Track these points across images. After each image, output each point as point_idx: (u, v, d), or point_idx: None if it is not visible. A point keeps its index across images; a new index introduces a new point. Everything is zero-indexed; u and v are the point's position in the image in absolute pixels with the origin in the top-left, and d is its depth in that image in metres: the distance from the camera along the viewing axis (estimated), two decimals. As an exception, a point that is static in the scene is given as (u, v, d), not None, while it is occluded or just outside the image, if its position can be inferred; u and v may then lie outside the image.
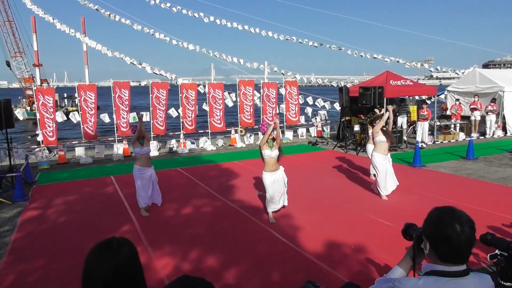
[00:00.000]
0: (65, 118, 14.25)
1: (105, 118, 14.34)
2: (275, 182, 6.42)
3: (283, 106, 16.68)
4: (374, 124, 7.81)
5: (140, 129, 6.99)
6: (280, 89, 16.70)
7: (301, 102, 17.28)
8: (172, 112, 14.86)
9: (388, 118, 7.86)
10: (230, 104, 16.16)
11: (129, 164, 11.55)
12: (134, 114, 14.15)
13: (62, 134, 26.24)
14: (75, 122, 13.81)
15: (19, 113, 14.82)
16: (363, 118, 13.59)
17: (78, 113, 13.59)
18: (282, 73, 22.12)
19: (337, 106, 17.76)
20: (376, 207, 7.14)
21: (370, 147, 9.07)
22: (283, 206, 6.84)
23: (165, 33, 22.36)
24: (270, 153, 6.33)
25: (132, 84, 15.20)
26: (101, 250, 1.52)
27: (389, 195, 7.73)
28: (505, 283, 2.19)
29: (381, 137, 7.66)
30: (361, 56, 23.46)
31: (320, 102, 18.15)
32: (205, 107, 15.31)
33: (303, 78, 22.98)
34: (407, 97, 16.13)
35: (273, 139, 6.39)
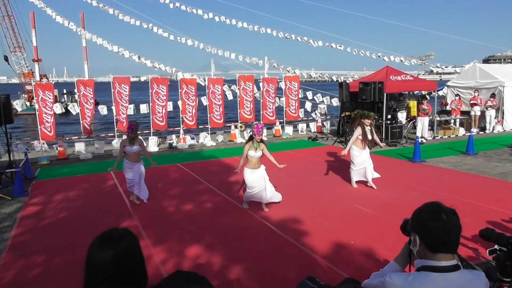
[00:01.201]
0: (63, 110, 14.27)
1: (103, 110, 14.30)
2: (255, 178, 6.77)
3: (283, 99, 16.62)
4: (363, 121, 8.15)
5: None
6: (280, 83, 16.67)
7: (300, 96, 17.25)
8: (167, 106, 14.83)
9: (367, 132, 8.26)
10: (230, 97, 16.17)
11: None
12: (133, 105, 14.25)
13: (62, 129, 26.22)
14: (74, 113, 13.82)
15: (18, 104, 14.92)
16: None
17: (77, 104, 13.57)
18: (281, 68, 22.06)
19: (334, 102, 17.75)
20: (375, 203, 7.14)
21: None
22: (275, 202, 7.03)
23: (164, 27, 22.32)
24: (254, 154, 6.73)
25: (131, 79, 15.16)
26: (103, 241, 1.52)
27: (389, 191, 7.81)
28: (504, 279, 2.19)
29: (358, 137, 8.12)
30: (361, 53, 23.40)
31: (319, 97, 18.13)
32: (204, 101, 15.23)
33: (303, 73, 22.93)
34: (406, 92, 16.12)
35: (261, 141, 6.79)
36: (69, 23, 20.77)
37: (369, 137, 8.14)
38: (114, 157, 12.69)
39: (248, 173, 6.78)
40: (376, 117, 10.31)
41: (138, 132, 7.69)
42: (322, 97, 18.20)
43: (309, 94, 18.04)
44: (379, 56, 23.21)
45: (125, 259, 1.49)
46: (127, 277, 1.49)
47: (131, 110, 14.19)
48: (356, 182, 8.33)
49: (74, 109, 13.67)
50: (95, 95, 13.84)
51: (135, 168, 7.36)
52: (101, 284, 1.47)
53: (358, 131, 8.10)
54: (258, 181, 6.75)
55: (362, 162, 8.09)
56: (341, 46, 23.36)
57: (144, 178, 7.59)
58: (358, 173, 8.20)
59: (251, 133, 7.14)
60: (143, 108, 14.39)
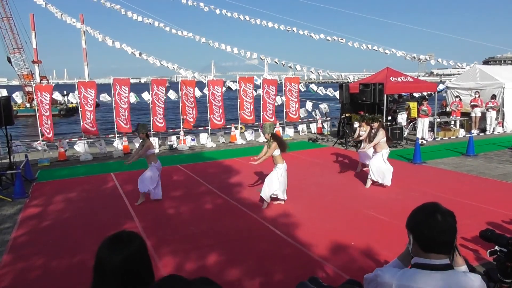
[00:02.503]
0: (64, 98, 14.39)
1: (105, 97, 14.28)
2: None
3: (283, 98, 16.60)
4: (372, 125, 8.45)
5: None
6: (282, 76, 16.72)
7: (303, 90, 17.26)
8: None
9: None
10: (234, 87, 16.25)
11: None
12: (134, 94, 14.37)
13: (62, 131, 26.22)
14: (74, 102, 13.87)
15: (17, 96, 15.06)
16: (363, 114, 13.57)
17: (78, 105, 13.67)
18: (282, 63, 21.96)
19: (338, 94, 17.82)
20: (376, 204, 7.14)
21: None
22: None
23: (164, 22, 22.28)
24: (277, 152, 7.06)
25: (132, 81, 15.20)
26: (112, 243, 1.54)
27: (390, 192, 7.90)
28: (505, 280, 2.20)
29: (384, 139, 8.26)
30: (362, 47, 23.31)
31: (322, 90, 18.22)
32: (206, 91, 15.19)
33: (303, 71, 22.84)
34: (407, 94, 16.12)
35: (273, 138, 7.08)
36: (71, 20, 20.78)
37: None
38: (115, 159, 12.74)
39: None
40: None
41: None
42: (325, 89, 18.27)
43: (313, 86, 18.11)
44: (380, 50, 23.11)
45: (134, 261, 1.52)
46: (136, 278, 1.51)
47: (132, 98, 14.19)
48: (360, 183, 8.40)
49: (74, 97, 13.61)
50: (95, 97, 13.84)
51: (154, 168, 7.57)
52: (111, 286, 1.48)
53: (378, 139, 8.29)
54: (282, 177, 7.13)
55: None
56: (342, 39, 23.27)
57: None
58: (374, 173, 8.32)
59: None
60: (146, 96, 14.32)
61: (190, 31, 22.23)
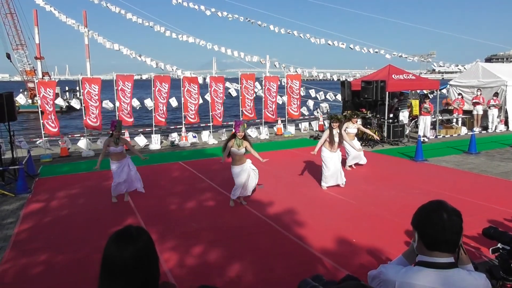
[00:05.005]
0: (66, 104, 14.36)
1: (108, 104, 14.36)
2: (242, 172, 6.98)
3: (284, 98, 16.59)
4: (331, 124, 8.13)
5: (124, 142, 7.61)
6: (282, 80, 16.70)
7: (302, 94, 17.23)
8: (172, 101, 15.02)
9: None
10: (234, 94, 16.25)
11: (131, 158, 11.56)
12: (137, 100, 14.45)
13: (64, 127, 26.26)
14: (78, 107, 13.88)
15: (21, 98, 15.01)
16: (365, 112, 13.55)
17: (80, 101, 13.67)
18: (283, 66, 22.01)
19: (339, 97, 17.75)
20: (378, 201, 7.14)
21: (356, 143, 9.67)
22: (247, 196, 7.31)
23: (166, 25, 22.35)
24: (236, 151, 6.94)
25: (134, 77, 15.20)
26: (121, 238, 1.53)
27: (391, 189, 7.85)
28: (508, 277, 2.20)
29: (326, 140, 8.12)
30: (363, 50, 23.31)
31: (321, 95, 18.16)
32: (207, 97, 15.25)
33: (304, 72, 22.92)
34: (408, 91, 16.08)
35: (244, 138, 7.08)
36: (71, 22, 20.82)
37: (336, 139, 7.99)
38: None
39: (237, 170, 7.00)
40: (356, 117, 10.47)
41: (130, 129, 7.74)
42: (325, 95, 18.20)
43: (312, 92, 18.04)
44: (381, 52, 23.13)
45: (143, 254, 1.52)
46: (144, 273, 1.52)
47: (135, 104, 14.24)
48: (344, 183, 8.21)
49: (77, 103, 13.71)
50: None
51: (124, 165, 7.39)
52: (119, 281, 1.48)
53: (325, 134, 8.09)
54: (245, 174, 7.00)
55: (333, 165, 8.00)
56: (343, 44, 23.27)
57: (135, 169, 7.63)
58: (331, 176, 8.04)
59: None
60: (148, 102, 14.37)
61: (190, 31, 22.50)
